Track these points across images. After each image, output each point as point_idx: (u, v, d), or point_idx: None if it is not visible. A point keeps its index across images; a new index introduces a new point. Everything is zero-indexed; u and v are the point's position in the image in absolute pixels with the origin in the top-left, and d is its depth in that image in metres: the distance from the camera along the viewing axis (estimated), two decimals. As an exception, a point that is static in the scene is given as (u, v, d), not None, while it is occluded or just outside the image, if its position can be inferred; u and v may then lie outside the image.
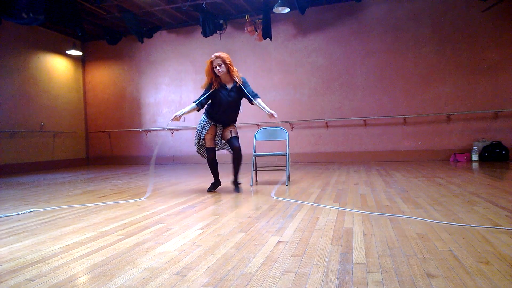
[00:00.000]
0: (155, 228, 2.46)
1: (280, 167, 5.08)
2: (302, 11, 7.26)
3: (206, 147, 3.88)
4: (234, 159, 3.84)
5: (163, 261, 1.77)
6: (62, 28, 8.67)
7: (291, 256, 1.78)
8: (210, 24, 7.98)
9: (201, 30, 8.08)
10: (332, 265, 1.65)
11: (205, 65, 3.78)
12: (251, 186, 4.41)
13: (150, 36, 8.83)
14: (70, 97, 9.47)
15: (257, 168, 4.78)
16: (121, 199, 3.78)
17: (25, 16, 6.79)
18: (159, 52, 9.20)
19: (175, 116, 3.64)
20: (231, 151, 3.90)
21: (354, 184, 4.24)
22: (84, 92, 9.97)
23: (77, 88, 9.75)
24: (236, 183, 3.97)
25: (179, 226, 2.50)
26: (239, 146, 3.83)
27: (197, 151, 3.99)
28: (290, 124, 8.13)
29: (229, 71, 3.75)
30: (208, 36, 8.12)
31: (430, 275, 1.49)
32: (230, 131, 3.89)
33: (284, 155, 4.38)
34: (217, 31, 8.32)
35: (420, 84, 7.34)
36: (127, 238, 2.22)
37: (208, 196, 3.77)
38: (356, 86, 7.75)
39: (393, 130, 7.55)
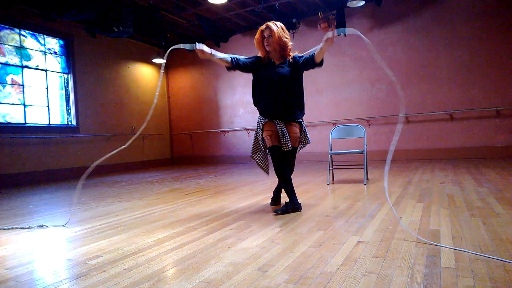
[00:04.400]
0: (236, 224, 2.56)
1: (357, 165, 4.91)
2: (379, 3, 6.92)
3: (268, 147, 2.91)
4: (288, 174, 2.96)
5: (245, 257, 1.84)
6: (148, 38, 9.47)
7: (372, 257, 1.72)
8: (283, 23, 8.02)
9: (273, 31, 8.16)
10: (418, 268, 1.56)
11: None
12: (328, 184, 4.34)
13: (226, 40, 9.20)
14: (157, 102, 10.31)
15: (334, 167, 4.68)
16: (202, 196, 4.01)
17: (116, 30, 7.59)
18: (235, 55, 9.52)
19: (202, 50, 2.78)
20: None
21: (440, 183, 3.92)
22: (168, 97, 10.78)
23: (162, 94, 10.58)
24: (276, 199, 3.12)
25: (259, 223, 2.57)
26: (293, 163, 3.02)
27: (257, 163, 3.05)
28: (367, 121, 7.80)
29: (281, 48, 2.85)
30: (281, 36, 8.18)
31: (538, 287, 1.32)
32: (293, 136, 2.92)
33: (362, 153, 4.23)
34: (290, 30, 8.32)
35: (518, 72, 6.48)
36: (211, 233, 2.36)
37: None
38: (441, 79, 7.12)
39: (484, 124, 6.78)
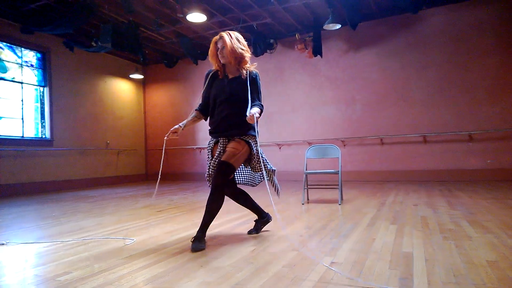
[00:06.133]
0: (209, 243, 2.53)
1: (332, 186, 4.98)
2: (354, 27, 7.20)
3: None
4: (208, 200, 2.45)
5: (218, 276, 1.82)
6: (126, 54, 9.41)
7: (346, 278, 1.74)
8: (261, 44, 8.20)
9: (252, 50, 8.32)
10: (390, 289, 1.58)
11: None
12: (303, 204, 4.37)
13: (204, 58, 9.27)
14: (132, 117, 10.17)
15: (309, 186, 4.73)
16: (177, 213, 3.94)
17: (94, 45, 7.54)
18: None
19: (172, 131, 2.52)
20: (255, 183, 2.77)
21: (414, 205, 4.02)
22: (145, 113, 10.66)
23: (139, 109, 10.45)
24: (200, 235, 2.40)
25: (232, 242, 2.54)
26: (220, 184, 2.43)
27: (207, 180, 2.59)
28: (342, 141, 7.97)
29: (237, 60, 2.55)
30: (259, 55, 8.34)
31: (500, 306, 1.37)
32: (229, 150, 2.49)
33: (337, 173, 4.30)
34: (268, 50, 8.51)
35: (486, 97, 6.83)
36: (183, 251, 2.31)
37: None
38: (414, 101, 7.42)
39: (457, 147, 7.06)
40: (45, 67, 7.78)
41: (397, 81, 7.58)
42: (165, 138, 2.51)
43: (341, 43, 8.13)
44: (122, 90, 9.87)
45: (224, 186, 2.47)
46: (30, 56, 7.59)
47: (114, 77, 9.61)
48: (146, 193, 6.57)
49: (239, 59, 2.56)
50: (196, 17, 6.66)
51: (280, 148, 8.70)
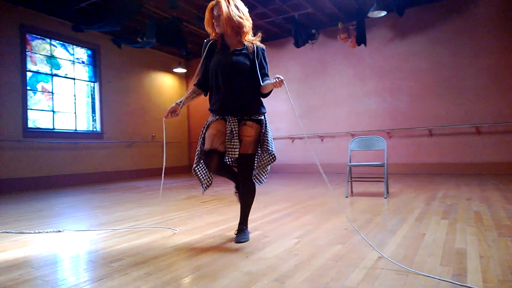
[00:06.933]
0: (253, 234, 2.55)
1: (377, 178, 4.82)
2: (401, 13, 6.85)
3: (204, 150, 2.28)
4: (241, 193, 2.44)
5: (262, 267, 1.82)
6: (170, 49, 9.67)
7: (394, 273, 1.68)
8: (303, 34, 8.06)
9: (293, 41, 8.21)
10: (443, 287, 1.50)
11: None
12: (346, 197, 4.28)
13: (245, 51, 9.29)
14: (176, 110, 10.48)
15: (353, 179, 4.61)
16: (219, 205, 4.02)
17: (140, 41, 7.82)
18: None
19: (170, 111, 2.43)
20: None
21: (466, 200, 3.79)
22: (188, 105, 10.94)
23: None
24: (241, 228, 2.44)
25: (275, 234, 2.55)
26: (249, 177, 2.36)
27: (194, 171, 2.40)
28: (388, 133, 7.68)
29: (234, 30, 2.25)
30: (300, 46, 8.20)
31: None
32: (241, 140, 2.29)
33: (382, 165, 4.15)
34: (309, 41, 8.35)
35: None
36: (228, 242, 2.35)
37: (303, 205, 3.77)
38: (466, 90, 6.96)
39: (513, 138, 6.55)
40: (95, 63, 8.21)
41: (448, 69, 7.13)
42: (164, 119, 2.36)
43: (386, 31, 7.79)
44: (166, 84, 10.19)
45: (251, 178, 2.38)
46: (81, 53, 8.03)
47: (159, 72, 9.93)
48: (189, 184, 6.76)
49: (237, 29, 2.24)
50: (250, 21, 6.65)
51: (322, 140, 8.56)
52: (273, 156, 2.33)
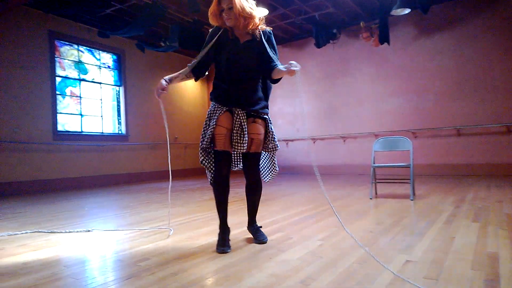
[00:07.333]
0: (276, 235, 2.55)
1: (402, 180, 4.71)
2: (425, 10, 6.68)
3: (216, 150, 2.26)
4: (252, 192, 2.45)
5: (286, 269, 1.82)
6: (192, 52, 9.80)
7: (423, 278, 1.63)
8: (323, 34, 7.99)
9: (314, 42, 8.15)
10: (476, 293, 1.45)
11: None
12: (371, 199, 4.20)
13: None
14: (198, 112, 10.60)
15: (377, 180, 4.52)
16: (241, 205, 4.03)
17: (163, 45, 7.98)
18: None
19: (159, 89, 2.34)
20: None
21: (498, 202, 3.65)
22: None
23: (203, 104, 10.86)
24: (254, 226, 2.51)
25: (299, 235, 2.53)
26: (259, 175, 2.41)
27: (201, 162, 2.31)
28: (413, 133, 7.50)
29: (246, 21, 2.20)
30: (321, 46, 8.13)
31: None
32: (251, 139, 2.26)
33: (408, 166, 4.05)
34: (330, 41, 8.27)
35: None
36: (251, 243, 2.36)
37: (326, 207, 3.73)
38: (496, 88, 6.70)
39: (547, 138, 6.25)
40: (120, 68, 8.43)
41: (476, 68, 6.89)
42: (157, 97, 2.30)
43: (410, 29, 7.62)
44: (188, 87, 10.34)
45: (260, 176, 2.43)
46: (107, 58, 8.26)
47: (187, 64, 10.10)
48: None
49: (248, 19, 2.20)
50: (258, 11, 6.68)
51: (344, 141, 8.45)
52: (276, 147, 2.38)
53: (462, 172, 6.97)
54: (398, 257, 1.95)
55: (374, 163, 4.33)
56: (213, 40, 2.27)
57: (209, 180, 2.38)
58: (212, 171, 2.33)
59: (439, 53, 7.29)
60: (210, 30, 2.34)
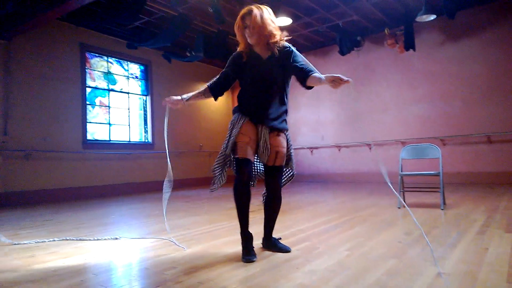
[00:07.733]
0: (302, 245, 2.53)
1: (431, 189, 4.58)
2: (452, 16, 6.53)
3: (237, 157, 2.30)
4: (273, 204, 2.49)
5: (314, 279, 1.80)
6: (216, 61, 9.97)
7: (457, 291, 1.58)
8: (347, 42, 7.94)
9: (338, 49, 8.11)
10: (514, 308, 1.39)
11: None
12: (399, 208, 4.10)
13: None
14: (223, 120, 10.72)
15: (405, 189, 4.42)
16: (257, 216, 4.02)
17: (189, 55, 8.15)
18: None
19: (174, 102, 2.57)
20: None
21: (533, 212, 3.48)
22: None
23: (228, 112, 10.98)
24: (273, 239, 2.48)
25: (325, 245, 2.51)
26: (280, 188, 2.43)
27: (213, 169, 2.45)
28: (441, 140, 7.28)
29: (266, 39, 2.27)
30: (346, 54, 8.08)
31: None
32: (276, 152, 2.31)
33: (437, 175, 3.94)
34: (355, 48, 8.21)
35: None
36: (278, 253, 2.35)
37: (352, 216, 3.67)
38: (528, 93, 6.44)
39: None
40: (147, 78, 8.67)
41: (504, 72, 6.67)
42: (164, 104, 2.48)
43: (436, 35, 7.46)
44: (212, 96, 10.48)
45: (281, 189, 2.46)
46: (135, 68, 8.53)
47: (206, 84, 10.26)
48: (236, 193, 6.83)
49: (269, 38, 2.25)
50: (282, 20, 6.74)
51: (370, 148, 8.31)
52: (293, 174, 2.50)
53: (494, 180, 6.69)
54: (430, 269, 1.90)
55: (401, 171, 4.23)
56: (233, 64, 2.39)
57: (210, 188, 2.50)
58: (220, 182, 2.45)
59: (466, 59, 7.09)
60: (233, 54, 2.43)
